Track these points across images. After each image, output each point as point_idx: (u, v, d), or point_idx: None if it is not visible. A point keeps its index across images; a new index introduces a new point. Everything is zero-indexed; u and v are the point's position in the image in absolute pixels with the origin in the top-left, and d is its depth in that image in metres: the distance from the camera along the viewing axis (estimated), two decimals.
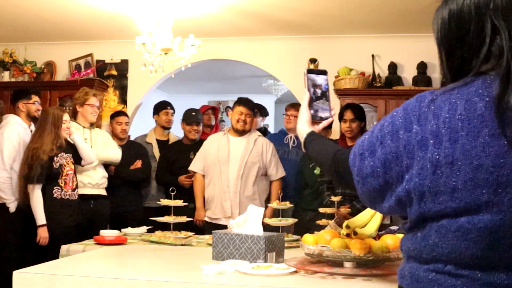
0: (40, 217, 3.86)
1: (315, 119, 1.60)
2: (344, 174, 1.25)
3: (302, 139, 1.58)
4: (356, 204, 3.89)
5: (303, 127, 1.58)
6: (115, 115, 5.04)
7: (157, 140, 5.21)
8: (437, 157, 1.02)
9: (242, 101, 4.41)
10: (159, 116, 5.25)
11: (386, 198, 1.12)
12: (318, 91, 1.62)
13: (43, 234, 3.86)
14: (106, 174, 4.53)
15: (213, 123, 5.65)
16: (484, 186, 0.99)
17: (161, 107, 5.28)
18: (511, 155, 0.97)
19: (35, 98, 4.44)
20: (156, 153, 5.11)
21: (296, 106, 4.98)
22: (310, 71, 1.64)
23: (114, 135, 4.93)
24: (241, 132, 4.37)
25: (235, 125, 4.37)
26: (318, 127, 1.61)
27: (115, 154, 4.56)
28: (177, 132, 5.72)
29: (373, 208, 1.18)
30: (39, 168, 3.83)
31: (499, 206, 0.98)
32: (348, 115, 4.15)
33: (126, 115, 5.11)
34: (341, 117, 4.28)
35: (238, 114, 4.34)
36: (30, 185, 3.86)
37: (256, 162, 4.33)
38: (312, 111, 1.60)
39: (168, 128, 5.30)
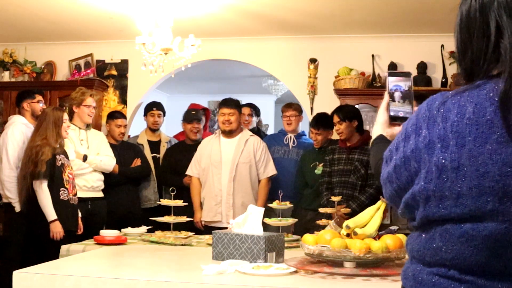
0: (51, 213, 3.79)
1: (394, 121, 1.59)
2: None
3: (371, 141, 1.60)
4: (352, 204, 3.90)
5: (377, 129, 1.59)
6: (113, 116, 4.99)
7: (148, 141, 5.22)
8: (443, 161, 1.00)
9: (223, 102, 4.46)
10: (147, 117, 5.29)
11: (397, 202, 1.14)
12: (399, 93, 1.61)
13: (56, 229, 3.79)
14: (102, 177, 4.53)
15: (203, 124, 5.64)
16: (489, 194, 0.97)
17: (148, 108, 5.32)
18: None
19: (38, 97, 4.45)
20: (147, 154, 5.11)
21: (293, 105, 4.97)
22: (391, 74, 1.63)
23: (111, 136, 4.92)
24: (229, 133, 4.40)
25: (221, 127, 4.44)
26: (398, 129, 1.61)
27: (110, 164, 4.56)
28: (174, 132, 5.75)
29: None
30: (44, 164, 3.81)
31: (505, 215, 0.97)
32: (335, 118, 4.20)
33: (124, 116, 5.10)
34: None
35: (221, 115, 4.41)
36: (36, 181, 3.81)
37: (247, 163, 4.35)
38: (391, 113, 1.59)
39: (155, 130, 5.29)
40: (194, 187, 4.47)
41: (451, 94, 1.04)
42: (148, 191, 5.01)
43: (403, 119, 1.58)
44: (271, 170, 4.43)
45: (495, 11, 1.02)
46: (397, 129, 1.59)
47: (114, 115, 5.02)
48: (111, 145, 4.77)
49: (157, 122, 5.24)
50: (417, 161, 1.05)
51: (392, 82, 1.60)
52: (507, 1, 1.02)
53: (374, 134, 1.59)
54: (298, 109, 4.94)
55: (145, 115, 5.33)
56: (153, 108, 5.27)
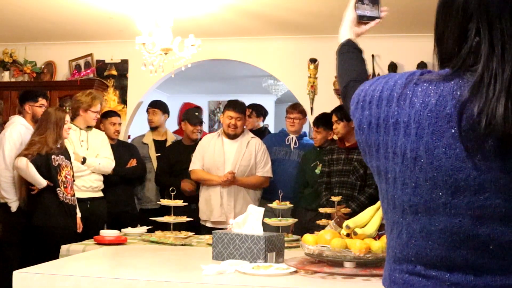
0: (40, 181, 3.83)
1: (362, 20, 1.57)
2: (348, 107, 1.29)
3: (338, 44, 1.58)
4: (352, 204, 3.90)
5: (345, 30, 1.57)
6: (108, 115, 5.01)
7: (154, 140, 5.22)
8: (405, 149, 1.03)
9: (232, 105, 4.41)
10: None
11: (366, 155, 1.14)
12: None
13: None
14: (101, 177, 4.53)
15: None
16: (442, 187, 1.00)
17: (148, 107, 5.35)
18: (471, 160, 0.97)
19: (42, 101, 4.43)
20: (152, 153, 5.11)
21: (298, 108, 4.96)
22: None
23: (107, 135, 4.90)
24: (233, 136, 4.39)
25: (226, 129, 4.39)
26: (365, 27, 1.60)
27: (109, 167, 4.58)
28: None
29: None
30: (35, 153, 3.84)
31: (457, 208, 0.99)
32: (333, 117, 4.19)
33: (118, 115, 5.11)
34: None
35: (228, 118, 4.36)
36: (23, 158, 3.82)
37: (248, 165, 4.35)
38: (358, 12, 1.57)
39: (152, 128, 5.29)
40: (199, 172, 4.41)
41: (425, 78, 1.05)
42: (150, 192, 5.01)
43: (370, 18, 1.58)
44: (267, 172, 4.42)
45: (478, 14, 1.02)
46: (364, 28, 1.61)
47: (108, 114, 5.04)
48: None
49: (151, 120, 5.25)
50: (386, 133, 1.06)
51: None
52: (492, 7, 1.01)
53: (341, 37, 1.58)
54: (303, 112, 4.96)
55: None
56: (149, 106, 5.31)
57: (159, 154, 5.12)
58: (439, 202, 1.00)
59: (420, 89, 1.04)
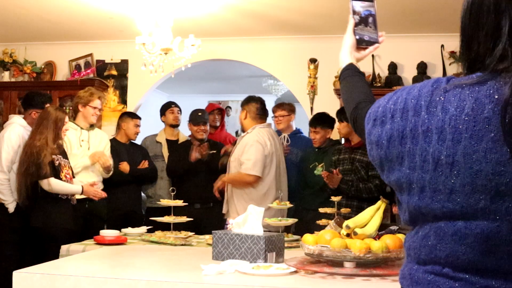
0: (75, 189, 3.91)
1: (360, 45, 1.56)
2: (360, 128, 1.29)
3: (340, 69, 1.57)
4: (351, 188, 3.98)
5: (345, 55, 1.57)
6: (132, 115, 5.04)
7: (167, 140, 5.24)
8: (439, 155, 1.00)
9: None
10: (166, 117, 5.28)
11: (384, 171, 1.12)
12: (364, 17, 1.58)
13: (90, 193, 4.00)
14: (101, 178, 4.53)
15: (218, 124, 5.61)
16: (482, 192, 0.97)
17: (166, 107, 5.33)
18: None
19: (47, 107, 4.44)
20: (165, 152, 5.14)
21: (283, 105, 4.99)
22: None
23: (126, 134, 4.93)
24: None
25: None
26: (364, 53, 1.59)
27: (110, 171, 4.59)
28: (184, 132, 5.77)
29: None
30: (47, 166, 3.83)
31: (496, 213, 0.97)
32: (337, 118, 4.27)
33: (140, 118, 5.14)
34: None
35: None
36: (43, 181, 3.82)
37: (232, 161, 4.27)
38: (357, 36, 1.56)
39: (176, 126, 5.31)
40: None
41: (455, 83, 1.03)
42: (161, 190, 5.03)
43: (369, 42, 1.57)
44: (247, 169, 4.02)
45: (510, 10, 1.00)
46: (363, 53, 1.60)
47: (133, 114, 5.07)
48: (121, 144, 4.84)
49: (177, 117, 5.27)
50: (414, 143, 1.04)
51: (356, 6, 1.59)
52: None
53: (342, 62, 1.57)
54: (287, 109, 4.95)
55: (163, 115, 5.31)
56: (172, 105, 5.30)
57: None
58: (478, 207, 0.98)
59: (453, 94, 1.01)
